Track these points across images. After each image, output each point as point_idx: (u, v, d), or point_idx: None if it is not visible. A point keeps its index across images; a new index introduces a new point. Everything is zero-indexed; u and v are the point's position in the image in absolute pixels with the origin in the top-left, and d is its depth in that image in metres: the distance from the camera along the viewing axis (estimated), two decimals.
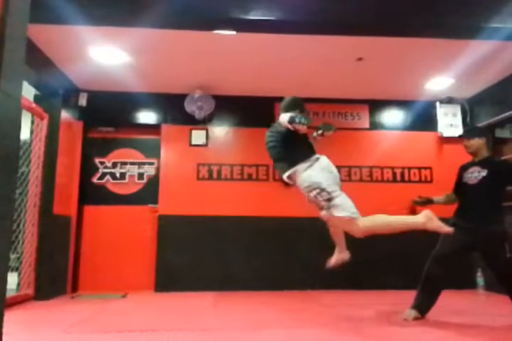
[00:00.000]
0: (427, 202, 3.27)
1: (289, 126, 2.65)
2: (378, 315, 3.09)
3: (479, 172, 3.04)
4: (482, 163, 3.08)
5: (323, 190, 2.61)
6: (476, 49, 3.60)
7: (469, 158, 3.21)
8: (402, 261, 4.37)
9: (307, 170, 2.68)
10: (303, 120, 2.61)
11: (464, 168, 3.20)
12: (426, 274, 3.01)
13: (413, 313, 2.93)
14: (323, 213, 2.74)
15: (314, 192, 2.62)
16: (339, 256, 3.02)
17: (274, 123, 3.02)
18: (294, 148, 2.81)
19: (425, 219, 2.59)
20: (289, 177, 2.77)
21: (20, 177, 3.75)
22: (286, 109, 2.89)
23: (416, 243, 3.98)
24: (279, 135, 2.84)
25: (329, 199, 2.61)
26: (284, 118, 2.71)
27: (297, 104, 2.98)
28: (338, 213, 2.60)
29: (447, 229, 2.63)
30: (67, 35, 3.43)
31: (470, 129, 3.38)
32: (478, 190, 3.03)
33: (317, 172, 2.66)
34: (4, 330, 1.26)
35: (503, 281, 2.90)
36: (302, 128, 2.65)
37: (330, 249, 4.52)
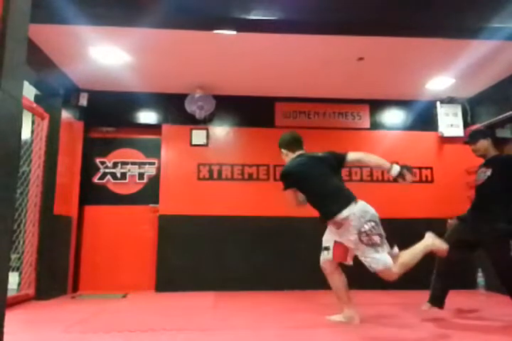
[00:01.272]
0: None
1: (391, 172, 2.73)
2: (379, 315, 3.09)
3: (485, 172, 3.12)
4: (488, 163, 3.16)
5: (377, 224, 2.62)
6: (476, 49, 3.60)
7: (469, 158, 3.25)
8: None
9: (365, 205, 2.70)
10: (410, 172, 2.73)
11: (477, 171, 3.28)
12: (437, 265, 3.09)
13: (430, 305, 3.04)
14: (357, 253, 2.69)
15: (370, 224, 2.58)
16: (344, 316, 2.81)
17: (320, 155, 2.95)
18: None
19: (432, 239, 2.75)
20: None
21: (21, 177, 3.76)
22: (298, 145, 3.03)
23: (416, 243, 3.98)
24: (334, 169, 2.87)
25: (380, 235, 2.60)
26: (390, 168, 2.76)
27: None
28: (388, 248, 2.62)
29: (445, 246, 2.75)
30: (68, 35, 3.43)
31: (472, 134, 3.42)
32: (483, 190, 3.12)
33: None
34: (5, 330, 1.26)
35: (504, 280, 2.92)
36: (410, 180, 2.74)
37: None
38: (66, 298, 4.10)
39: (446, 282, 3.08)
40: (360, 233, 2.57)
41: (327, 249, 2.88)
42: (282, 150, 3.06)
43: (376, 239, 2.56)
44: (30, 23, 1.42)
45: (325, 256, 2.89)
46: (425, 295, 3.10)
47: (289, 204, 2.95)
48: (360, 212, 2.62)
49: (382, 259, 2.56)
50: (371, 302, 3.65)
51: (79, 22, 2.86)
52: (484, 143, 3.19)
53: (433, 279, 3.10)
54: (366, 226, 2.57)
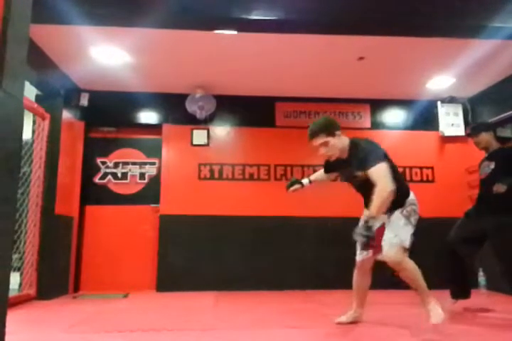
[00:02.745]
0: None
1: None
2: (379, 315, 3.08)
3: (489, 166, 3.15)
4: (491, 156, 3.21)
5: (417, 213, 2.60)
6: (477, 48, 3.60)
7: (470, 157, 3.28)
8: None
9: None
10: None
11: (479, 165, 3.33)
12: (449, 260, 3.15)
13: (454, 300, 3.17)
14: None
15: (415, 208, 2.58)
16: (354, 315, 2.80)
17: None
18: None
19: (435, 301, 2.53)
20: None
21: (22, 177, 3.76)
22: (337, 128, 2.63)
23: (417, 242, 3.97)
24: None
25: (416, 221, 2.56)
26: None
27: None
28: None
29: (439, 317, 2.47)
30: (69, 35, 3.43)
31: (475, 126, 3.46)
32: (487, 184, 3.15)
33: None
34: (7, 330, 1.26)
35: (506, 271, 2.97)
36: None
37: (330, 248, 4.49)
38: (67, 298, 4.11)
39: (460, 276, 3.17)
40: (405, 207, 2.55)
41: (367, 247, 2.71)
42: (337, 132, 2.59)
43: (413, 219, 2.53)
44: (31, 23, 1.42)
45: (364, 255, 2.72)
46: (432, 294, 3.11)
47: (388, 183, 2.34)
48: (413, 197, 2.64)
49: (404, 234, 2.48)
50: (372, 302, 3.64)
51: (80, 22, 2.86)
52: (486, 136, 3.22)
53: (448, 277, 3.16)
54: (414, 207, 2.57)
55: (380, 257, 2.55)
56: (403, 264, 2.47)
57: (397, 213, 2.55)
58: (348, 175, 2.68)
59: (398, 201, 2.52)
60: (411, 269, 2.50)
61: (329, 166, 2.87)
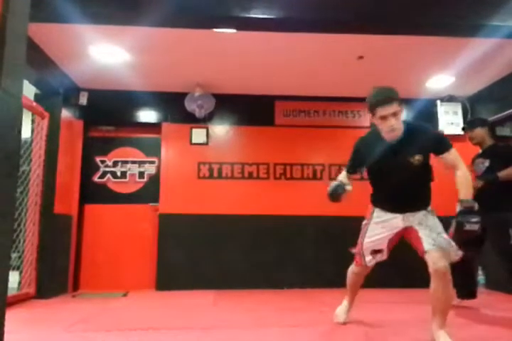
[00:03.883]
0: None
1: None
2: (379, 314, 3.09)
3: (483, 163, 3.16)
4: (485, 153, 3.21)
5: None
6: (476, 47, 3.59)
7: (469, 156, 3.28)
8: (403, 260, 4.36)
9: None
10: None
11: (472, 161, 3.33)
12: (453, 265, 3.18)
13: (460, 300, 3.20)
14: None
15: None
16: (346, 309, 2.76)
17: None
18: None
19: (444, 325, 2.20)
20: None
21: (21, 176, 3.76)
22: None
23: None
24: None
25: None
26: None
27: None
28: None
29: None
30: (68, 34, 3.42)
31: (470, 121, 3.48)
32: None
33: None
34: (6, 329, 1.26)
35: (507, 268, 2.98)
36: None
37: (330, 246, 4.51)
38: (67, 297, 4.11)
39: (466, 276, 3.19)
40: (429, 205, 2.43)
41: (380, 251, 2.57)
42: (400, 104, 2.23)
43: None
44: (30, 22, 1.42)
45: (377, 259, 2.60)
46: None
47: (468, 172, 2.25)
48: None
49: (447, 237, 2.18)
50: (372, 301, 3.65)
51: (79, 21, 2.86)
52: (481, 132, 3.24)
53: (454, 277, 3.21)
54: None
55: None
56: (449, 273, 2.15)
57: (424, 212, 2.41)
58: (395, 161, 2.32)
59: (427, 200, 2.46)
60: (451, 283, 2.19)
61: (364, 158, 2.49)
